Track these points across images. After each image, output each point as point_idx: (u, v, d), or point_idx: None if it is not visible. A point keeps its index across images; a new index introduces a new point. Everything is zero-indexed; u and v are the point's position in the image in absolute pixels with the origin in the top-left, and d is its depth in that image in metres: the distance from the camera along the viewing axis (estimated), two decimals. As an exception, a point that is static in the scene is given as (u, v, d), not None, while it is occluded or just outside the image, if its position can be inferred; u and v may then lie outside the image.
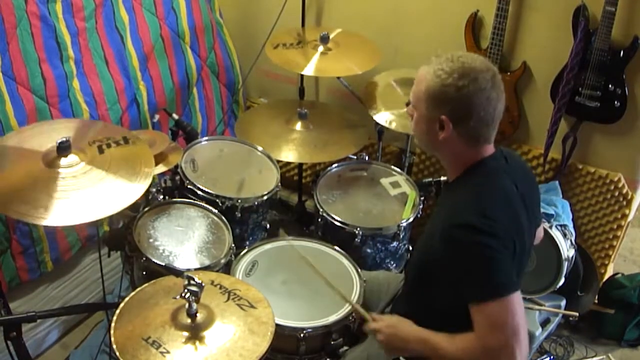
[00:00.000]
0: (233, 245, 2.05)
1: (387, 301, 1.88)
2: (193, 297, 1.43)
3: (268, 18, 2.84)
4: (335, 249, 2.09)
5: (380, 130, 2.54)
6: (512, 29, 2.44)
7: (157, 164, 2.07)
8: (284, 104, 2.82)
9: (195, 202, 2.17)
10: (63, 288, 2.49)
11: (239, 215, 2.18)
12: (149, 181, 1.72)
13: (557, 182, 2.55)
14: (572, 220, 2.51)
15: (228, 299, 1.56)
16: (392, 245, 2.25)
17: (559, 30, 2.34)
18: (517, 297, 1.35)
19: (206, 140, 2.47)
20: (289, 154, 2.48)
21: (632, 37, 2.21)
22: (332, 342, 1.81)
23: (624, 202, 2.50)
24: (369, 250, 2.22)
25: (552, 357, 2.56)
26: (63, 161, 1.68)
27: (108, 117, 2.45)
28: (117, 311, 1.50)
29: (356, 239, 2.17)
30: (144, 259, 1.90)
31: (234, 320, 1.50)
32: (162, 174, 2.30)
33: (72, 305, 2.51)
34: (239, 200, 2.19)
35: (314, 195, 2.33)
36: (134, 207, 2.07)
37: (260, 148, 2.45)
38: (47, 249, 2.32)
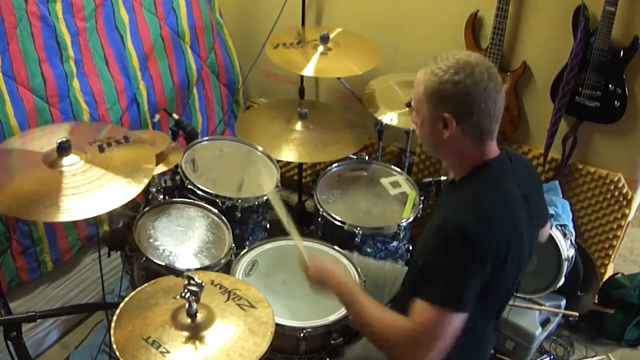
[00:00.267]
0: (233, 245, 2.05)
1: (392, 296, 1.89)
2: (193, 297, 1.43)
3: (268, 18, 2.84)
4: (335, 249, 2.09)
5: (380, 130, 2.54)
6: (512, 29, 2.45)
7: (157, 163, 2.07)
8: (284, 104, 2.82)
9: (196, 202, 2.17)
10: (63, 288, 2.49)
11: (239, 215, 2.19)
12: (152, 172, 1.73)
13: (557, 182, 2.55)
14: (572, 220, 2.51)
15: (228, 298, 1.56)
16: (392, 244, 2.25)
17: (559, 30, 2.34)
18: (460, 318, 1.36)
19: (206, 140, 2.47)
20: (289, 154, 2.48)
21: (632, 37, 2.21)
22: (332, 342, 1.81)
23: (624, 202, 2.50)
24: (369, 250, 2.22)
25: (552, 357, 2.56)
26: (64, 161, 1.70)
27: (108, 117, 2.45)
28: (117, 311, 1.50)
29: (356, 239, 2.17)
30: (144, 258, 1.90)
31: (234, 320, 1.50)
32: (162, 174, 2.30)
33: (72, 305, 2.51)
34: (239, 200, 2.19)
35: (314, 195, 2.33)
36: (134, 207, 2.08)
37: (260, 148, 2.45)
38: (47, 249, 2.32)
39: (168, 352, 1.39)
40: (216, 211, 2.14)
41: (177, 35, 2.71)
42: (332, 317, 1.81)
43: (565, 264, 2.36)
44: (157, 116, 2.49)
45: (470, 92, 1.38)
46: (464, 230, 1.35)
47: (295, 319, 1.79)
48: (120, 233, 2.05)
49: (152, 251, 1.94)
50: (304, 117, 2.57)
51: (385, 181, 2.44)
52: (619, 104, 2.30)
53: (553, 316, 2.56)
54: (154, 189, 2.21)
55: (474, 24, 2.49)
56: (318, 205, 2.27)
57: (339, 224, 2.20)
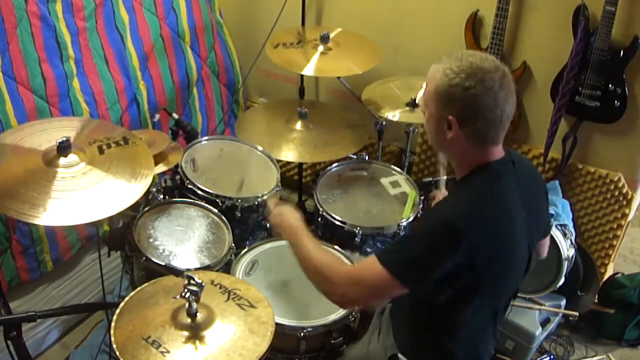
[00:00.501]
0: (233, 244, 2.05)
1: None
2: (193, 297, 1.43)
3: (268, 18, 2.84)
4: (335, 249, 2.09)
5: (380, 129, 2.54)
6: (512, 28, 2.45)
7: (157, 163, 2.07)
8: (284, 103, 2.82)
9: (196, 201, 2.17)
10: (63, 288, 2.49)
11: (239, 215, 2.18)
12: (148, 182, 1.71)
13: (557, 181, 2.55)
14: (572, 219, 2.51)
15: (228, 298, 1.56)
16: (392, 244, 2.25)
17: (559, 30, 2.34)
18: (396, 288, 1.39)
19: (206, 140, 2.47)
20: (289, 154, 2.48)
21: (632, 37, 2.21)
22: (332, 341, 1.81)
23: (624, 202, 2.50)
24: (369, 250, 2.22)
25: (552, 357, 2.56)
26: (62, 161, 1.67)
27: (108, 117, 2.45)
28: (117, 311, 1.50)
29: (356, 239, 2.17)
30: (144, 258, 1.90)
31: (234, 320, 1.50)
32: (162, 174, 2.30)
33: (72, 305, 2.51)
34: (239, 200, 2.19)
35: (314, 194, 2.33)
36: (134, 207, 2.07)
37: (260, 148, 2.45)
38: (47, 249, 2.32)
39: (168, 352, 1.39)
40: (216, 211, 2.14)
41: (177, 35, 2.71)
42: (332, 317, 1.81)
43: (565, 264, 2.36)
44: (157, 116, 2.49)
45: (478, 100, 1.37)
46: (450, 219, 1.37)
47: (295, 318, 1.79)
48: (120, 233, 2.05)
49: (152, 251, 1.94)
50: (304, 116, 2.57)
51: (385, 181, 2.44)
52: (619, 103, 2.30)
53: (553, 316, 2.56)
54: (154, 189, 2.21)
55: (474, 24, 2.49)
56: (318, 205, 2.27)
57: (339, 223, 2.20)
